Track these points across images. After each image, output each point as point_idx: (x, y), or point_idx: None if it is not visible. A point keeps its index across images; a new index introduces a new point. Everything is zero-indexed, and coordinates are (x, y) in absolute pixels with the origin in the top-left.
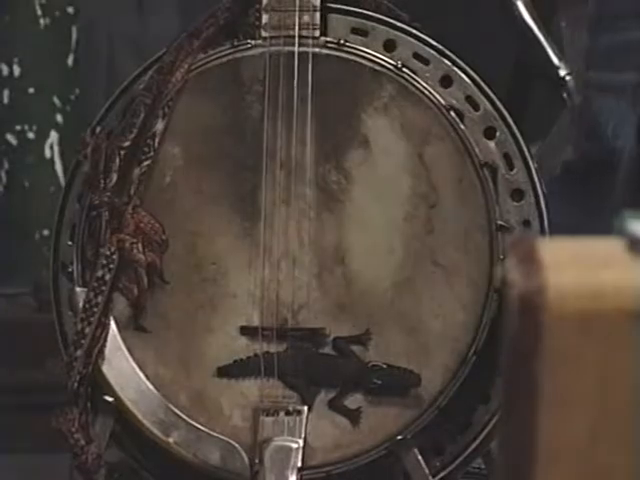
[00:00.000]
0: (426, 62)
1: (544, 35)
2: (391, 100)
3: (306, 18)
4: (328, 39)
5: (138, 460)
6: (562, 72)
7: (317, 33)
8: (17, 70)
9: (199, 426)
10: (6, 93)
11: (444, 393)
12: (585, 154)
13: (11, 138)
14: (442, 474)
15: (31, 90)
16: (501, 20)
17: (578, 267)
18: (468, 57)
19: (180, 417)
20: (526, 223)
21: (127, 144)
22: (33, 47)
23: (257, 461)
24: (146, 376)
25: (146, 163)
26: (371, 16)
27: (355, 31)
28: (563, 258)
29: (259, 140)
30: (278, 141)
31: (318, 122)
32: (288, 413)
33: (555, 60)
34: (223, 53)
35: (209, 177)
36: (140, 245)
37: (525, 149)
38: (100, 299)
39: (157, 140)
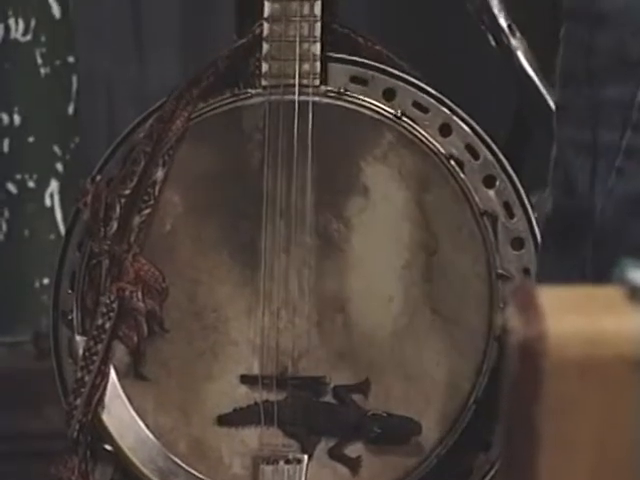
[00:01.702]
0: (425, 110)
1: (544, 85)
2: (390, 148)
3: (306, 67)
4: (328, 88)
5: None
6: None
7: (317, 82)
8: (17, 119)
9: (199, 474)
10: (6, 142)
11: (444, 441)
12: (558, 207)
13: (11, 187)
14: None
15: (31, 139)
16: (501, 69)
17: (578, 314)
18: (468, 106)
19: (180, 465)
20: (526, 271)
21: (127, 192)
22: (33, 96)
23: None
24: (146, 424)
25: (146, 211)
26: (371, 65)
27: (355, 80)
28: (563, 305)
29: (259, 188)
30: (278, 189)
31: (318, 170)
32: (288, 462)
33: (554, 109)
34: (223, 102)
35: (209, 225)
36: (140, 293)
37: (525, 198)
38: (100, 347)
39: (157, 188)
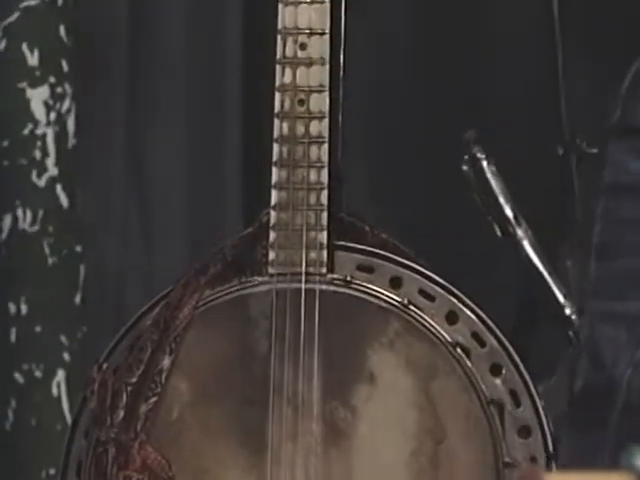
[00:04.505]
0: (432, 299)
1: (550, 273)
2: (397, 336)
3: (313, 255)
4: (335, 276)
5: None
6: (568, 310)
7: (324, 270)
8: (24, 308)
9: None
10: (13, 331)
11: None
12: (588, 383)
13: (18, 376)
14: None
15: (38, 328)
16: (507, 258)
17: None
18: (474, 294)
19: None
20: (533, 460)
21: (134, 380)
22: (41, 285)
23: None
24: None
25: (153, 399)
26: (377, 253)
27: (361, 268)
28: None
29: (266, 375)
30: (285, 376)
31: (325, 358)
32: None
33: (561, 298)
34: (230, 289)
35: (216, 412)
36: None
37: (531, 386)
38: None
39: (164, 376)
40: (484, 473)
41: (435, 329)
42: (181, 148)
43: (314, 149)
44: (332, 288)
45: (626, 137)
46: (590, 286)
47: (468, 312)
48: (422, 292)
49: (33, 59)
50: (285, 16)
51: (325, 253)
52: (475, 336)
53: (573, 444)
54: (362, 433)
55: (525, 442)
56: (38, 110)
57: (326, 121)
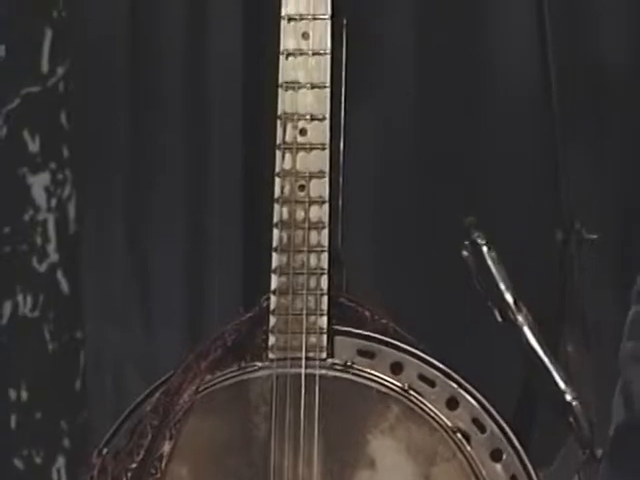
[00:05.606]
0: (432, 384)
1: (550, 359)
2: (397, 421)
3: (313, 340)
4: (335, 361)
5: None
6: (568, 397)
7: (324, 355)
8: (24, 395)
9: None
10: (13, 418)
11: None
12: (622, 423)
13: (18, 463)
14: None
15: (38, 415)
16: (507, 343)
17: None
18: (474, 379)
19: None
20: None
21: (134, 466)
22: (41, 372)
23: None
24: None
25: None
26: (377, 338)
27: (361, 353)
28: None
29: (266, 460)
30: (285, 461)
31: (325, 442)
32: None
33: (561, 384)
34: (230, 374)
35: None
36: None
37: (532, 471)
38: None
39: (164, 462)
40: None
41: (435, 414)
42: (181, 234)
43: (314, 234)
44: (332, 373)
45: None
46: (626, 328)
47: (468, 397)
48: (422, 377)
49: (34, 145)
50: (285, 101)
51: (325, 338)
52: (475, 421)
53: None
54: None
55: None
56: (39, 196)
57: (326, 206)
